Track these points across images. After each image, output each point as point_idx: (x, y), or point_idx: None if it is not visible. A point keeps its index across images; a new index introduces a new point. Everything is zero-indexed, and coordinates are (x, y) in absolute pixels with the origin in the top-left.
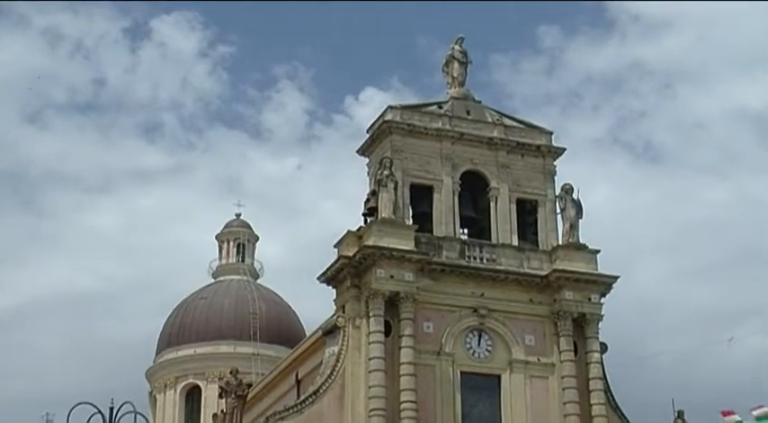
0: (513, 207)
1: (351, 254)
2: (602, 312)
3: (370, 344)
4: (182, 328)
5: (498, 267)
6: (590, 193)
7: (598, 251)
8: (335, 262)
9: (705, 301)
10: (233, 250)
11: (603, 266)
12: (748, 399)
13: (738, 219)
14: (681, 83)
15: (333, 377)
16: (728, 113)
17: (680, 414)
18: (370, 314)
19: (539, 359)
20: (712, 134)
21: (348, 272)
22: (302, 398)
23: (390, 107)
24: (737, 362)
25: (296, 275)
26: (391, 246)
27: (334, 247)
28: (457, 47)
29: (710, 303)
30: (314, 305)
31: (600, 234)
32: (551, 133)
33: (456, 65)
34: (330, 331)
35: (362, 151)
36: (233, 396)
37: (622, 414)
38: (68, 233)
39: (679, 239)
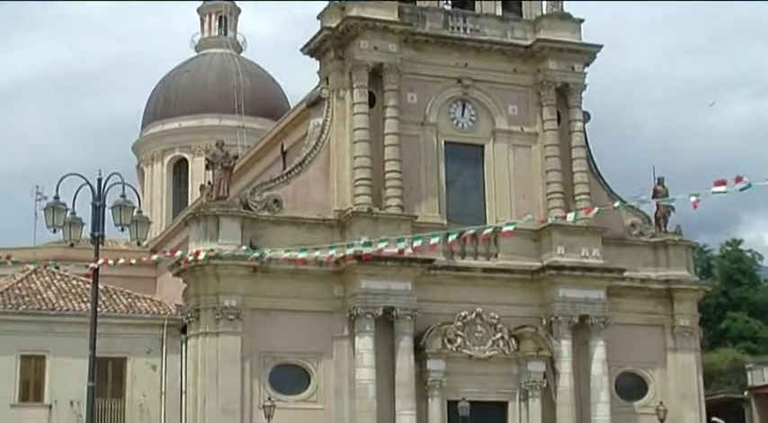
0: None
1: (334, 25)
2: (586, 82)
3: (354, 115)
4: (166, 102)
5: (482, 37)
6: None
7: (582, 20)
8: (318, 33)
9: (693, 73)
10: (215, 23)
11: (590, 38)
12: (732, 167)
13: None
14: None
15: (318, 148)
16: None
17: (660, 181)
18: (354, 85)
19: (522, 128)
20: None
21: (331, 43)
22: (288, 169)
23: None
24: (722, 130)
25: (280, 49)
26: (374, 16)
27: (317, 18)
28: None
29: (698, 75)
30: (298, 78)
31: (588, 6)
32: None
33: None
34: (314, 103)
35: None
36: (219, 168)
37: (604, 181)
38: (52, 14)
39: (670, 14)
